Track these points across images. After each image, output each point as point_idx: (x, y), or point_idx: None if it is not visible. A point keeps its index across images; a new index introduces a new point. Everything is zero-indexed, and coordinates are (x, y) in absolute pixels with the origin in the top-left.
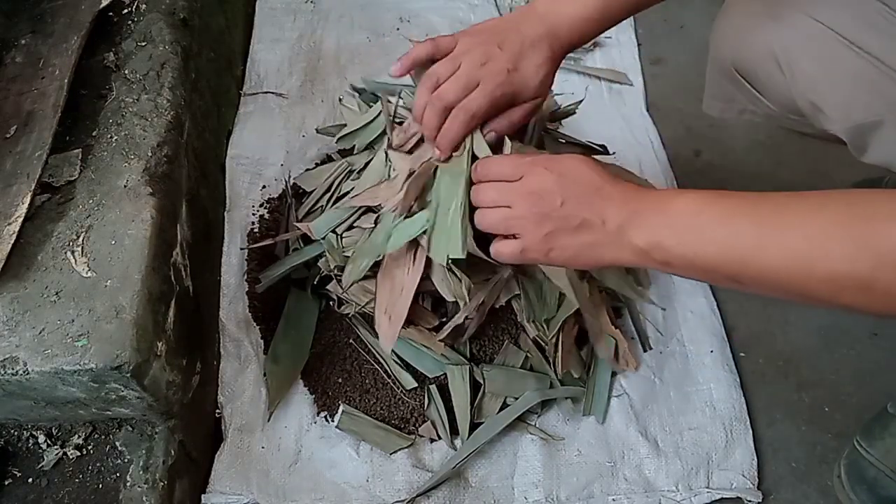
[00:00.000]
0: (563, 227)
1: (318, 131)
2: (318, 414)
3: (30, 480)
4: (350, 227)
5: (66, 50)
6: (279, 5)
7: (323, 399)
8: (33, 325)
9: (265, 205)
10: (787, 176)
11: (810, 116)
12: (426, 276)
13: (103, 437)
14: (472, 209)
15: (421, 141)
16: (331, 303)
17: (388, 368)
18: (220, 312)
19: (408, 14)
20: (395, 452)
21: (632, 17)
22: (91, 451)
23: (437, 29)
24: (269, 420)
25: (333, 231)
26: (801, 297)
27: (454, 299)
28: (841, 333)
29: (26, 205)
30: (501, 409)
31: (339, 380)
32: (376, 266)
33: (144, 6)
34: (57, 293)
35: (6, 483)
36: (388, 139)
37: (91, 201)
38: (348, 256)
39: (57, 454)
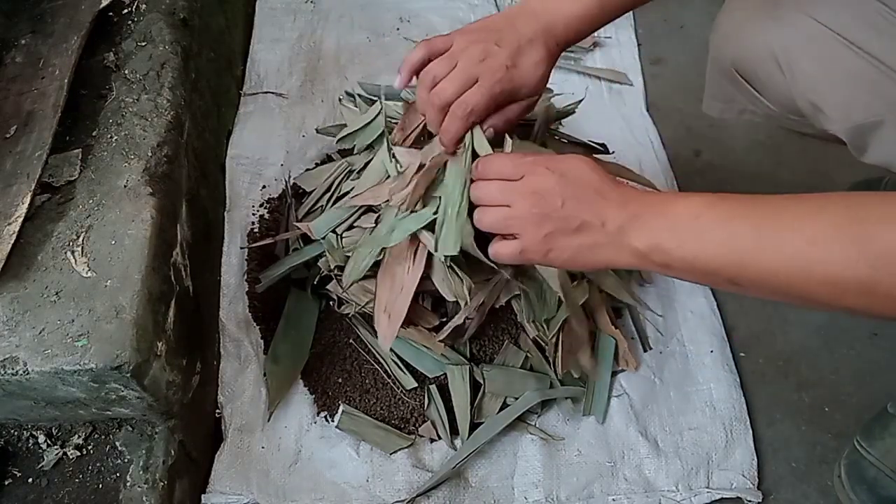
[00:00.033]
0: (562, 227)
1: (318, 131)
2: (318, 414)
3: (30, 480)
4: (350, 227)
5: (66, 50)
6: (279, 5)
7: (323, 399)
8: (33, 325)
9: (265, 205)
10: (787, 176)
11: (810, 116)
12: (426, 276)
13: (103, 437)
14: (471, 207)
15: (425, 136)
16: (331, 303)
17: (388, 368)
18: (220, 312)
19: (408, 14)
20: (395, 452)
21: (632, 17)
22: (91, 451)
23: (437, 29)
24: (269, 420)
25: (333, 231)
26: (801, 299)
27: (454, 299)
28: (841, 333)
29: (26, 205)
30: (501, 409)
31: (339, 380)
32: (376, 266)
33: (144, 6)
34: (57, 293)
35: (6, 483)
36: (387, 140)
37: (91, 201)
38: (348, 256)
39: (57, 454)
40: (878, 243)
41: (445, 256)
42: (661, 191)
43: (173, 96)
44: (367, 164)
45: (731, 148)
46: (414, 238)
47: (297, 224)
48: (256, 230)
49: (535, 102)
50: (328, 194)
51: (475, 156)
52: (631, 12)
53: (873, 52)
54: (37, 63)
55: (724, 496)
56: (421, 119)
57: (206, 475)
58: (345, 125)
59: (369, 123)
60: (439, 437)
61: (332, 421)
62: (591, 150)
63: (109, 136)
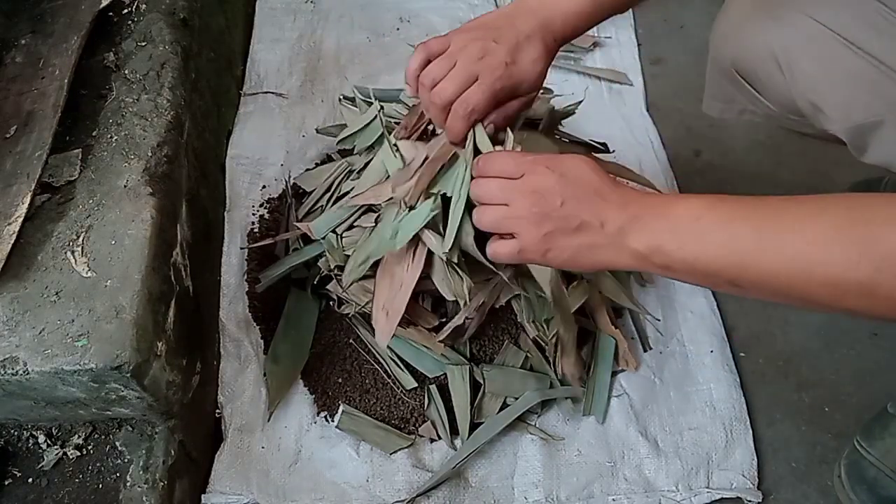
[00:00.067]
0: (562, 227)
1: (318, 131)
2: (318, 414)
3: (30, 480)
4: (350, 227)
5: (66, 50)
6: (279, 5)
7: (323, 399)
8: (33, 325)
9: (265, 205)
10: (787, 176)
11: (810, 116)
12: (426, 276)
13: (103, 437)
14: (470, 205)
15: (428, 133)
16: (331, 303)
17: (388, 368)
18: (220, 312)
19: (408, 14)
20: (395, 452)
21: (632, 17)
22: (91, 451)
23: (437, 29)
24: (269, 420)
25: (333, 231)
26: (802, 301)
27: (454, 299)
28: (841, 333)
29: (26, 205)
30: (501, 409)
31: (339, 380)
32: (376, 266)
33: (144, 6)
34: (57, 293)
35: (6, 483)
36: (387, 139)
37: (91, 201)
38: (348, 256)
39: (57, 454)
40: (883, 245)
41: (446, 255)
42: (661, 192)
43: (173, 96)
44: (367, 164)
45: (731, 148)
46: (414, 236)
47: (297, 224)
48: (256, 230)
49: (534, 98)
50: (328, 194)
51: (477, 153)
52: (630, 12)
53: (873, 52)
54: (37, 63)
55: (724, 496)
56: (424, 117)
57: (206, 475)
58: (345, 125)
59: (369, 124)
60: (439, 437)
61: (332, 421)
62: (591, 149)
63: (109, 136)
